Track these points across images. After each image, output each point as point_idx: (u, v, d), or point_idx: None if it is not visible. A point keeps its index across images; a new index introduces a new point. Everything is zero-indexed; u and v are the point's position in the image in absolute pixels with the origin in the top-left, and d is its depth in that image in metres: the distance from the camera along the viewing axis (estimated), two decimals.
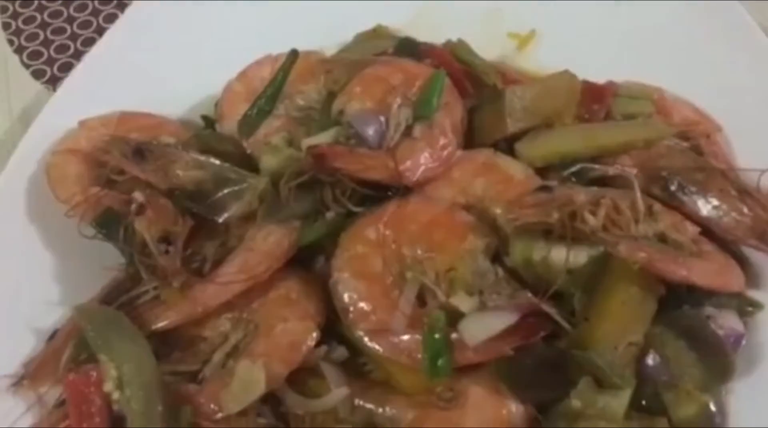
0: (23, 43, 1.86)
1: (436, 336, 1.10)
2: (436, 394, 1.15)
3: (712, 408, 1.15)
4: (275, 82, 1.41)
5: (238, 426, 1.14)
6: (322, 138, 1.31)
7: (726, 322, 1.20)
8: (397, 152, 1.27)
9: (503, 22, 1.67)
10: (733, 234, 1.28)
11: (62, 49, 1.84)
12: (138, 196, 1.25)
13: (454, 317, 1.14)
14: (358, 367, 1.21)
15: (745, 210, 1.29)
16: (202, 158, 1.29)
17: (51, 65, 1.81)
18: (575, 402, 1.13)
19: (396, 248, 1.19)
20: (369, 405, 1.16)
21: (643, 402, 1.17)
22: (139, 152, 1.29)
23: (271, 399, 1.19)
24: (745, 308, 1.26)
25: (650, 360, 1.16)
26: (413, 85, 1.35)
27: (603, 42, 1.61)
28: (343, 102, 1.34)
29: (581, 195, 1.18)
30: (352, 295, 1.16)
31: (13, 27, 1.89)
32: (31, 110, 1.71)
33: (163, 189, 1.28)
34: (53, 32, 1.87)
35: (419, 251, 1.19)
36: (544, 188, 1.22)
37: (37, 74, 1.81)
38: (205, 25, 1.66)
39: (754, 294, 1.28)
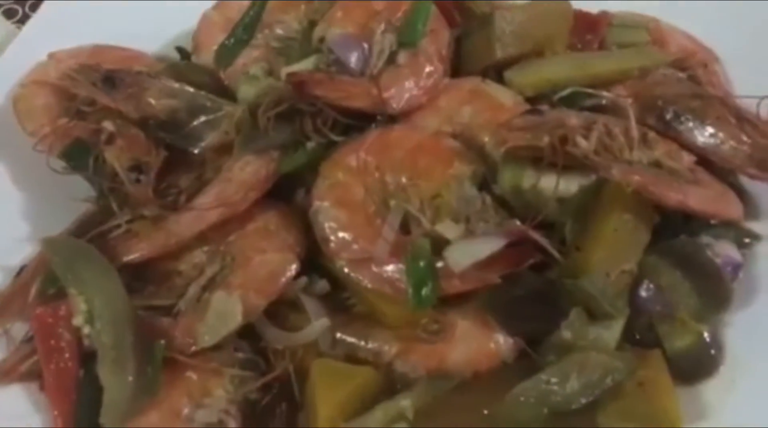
0: None
1: (421, 263, 1.05)
2: (421, 327, 1.11)
3: (708, 339, 1.11)
4: (253, 10, 1.34)
5: (215, 360, 1.10)
6: (303, 65, 1.25)
7: (723, 251, 1.15)
8: (381, 79, 1.21)
9: None
10: (732, 163, 1.23)
11: None
12: (108, 125, 1.19)
13: (440, 245, 1.09)
14: (339, 302, 1.16)
15: (744, 138, 1.24)
16: (176, 85, 1.23)
17: (23, 4, 1.74)
18: (566, 334, 1.09)
19: (379, 175, 1.14)
20: (351, 339, 1.12)
21: (637, 335, 1.14)
22: (109, 80, 1.22)
23: (249, 335, 1.14)
24: (743, 239, 1.21)
25: (644, 290, 1.12)
26: (398, 11, 1.28)
27: None
28: (323, 28, 1.28)
29: (573, 119, 1.13)
30: (332, 224, 1.11)
31: None
32: (1, 49, 1.64)
33: (135, 119, 1.22)
34: None
35: (403, 179, 1.14)
36: (534, 113, 1.16)
37: (9, 14, 1.73)
38: None
39: (752, 226, 1.24)
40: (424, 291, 1.06)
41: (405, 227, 1.11)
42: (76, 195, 1.25)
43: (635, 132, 1.16)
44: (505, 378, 1.11)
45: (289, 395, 1.11)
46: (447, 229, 1.08)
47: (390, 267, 1.08)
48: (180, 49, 1.44)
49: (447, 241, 1.08)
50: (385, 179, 1.14)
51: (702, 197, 1.12)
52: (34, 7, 1.71)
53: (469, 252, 1.05)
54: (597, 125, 1.13)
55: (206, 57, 1.37)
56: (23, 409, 1.10)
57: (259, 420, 1.10)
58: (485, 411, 1.09)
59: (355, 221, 1.11)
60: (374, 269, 1.08)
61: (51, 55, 1.38)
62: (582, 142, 1.10)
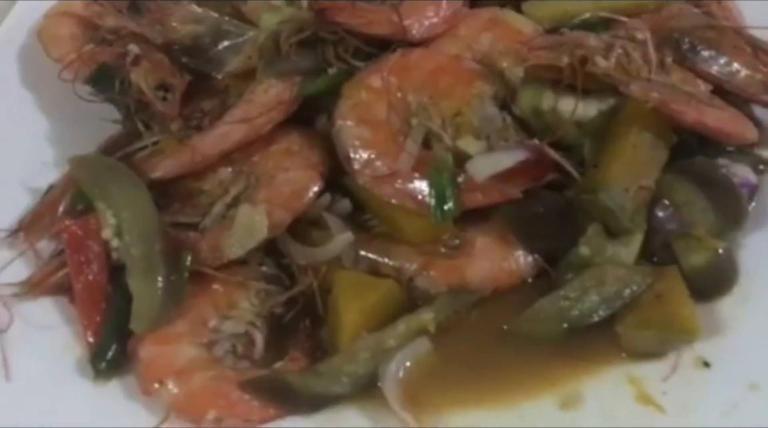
0: None
1: (443, 175, 1.08)
2: (441, 242, 1.13)
3: (723, 256, 1.13)
4: None
5: (240, 274, 1.12)
6: None
7: (739, 172, 1.17)
8: (401, 7, 1.24)
9: None
10: (747, 91, 1.24)
11: None
12: (134, 48, 1.21)
13: (461, 161, 1.11)
14: (361, 223, 1.18)
15: (760, 67, 1.26)
16: (200, 10, 1.25)
17: None
18: (583, 249, 1.11)
19: (401, 95, 1.16)
20: (373, 255, 1.14)
21: (653, 254, 1.16)
22: (134, 6, 1.24)
23: (273, 253, 1.17)
24: (758, 165, 1.23)
25: (660, 208, 1.14)
26: None
27: None
28: None
29: (593, 40, 1.15)
30: (355, 142, 1.13)
31: None
32: None
33: (159, 44, 1.24)
34: None
35: (425, 98, 1.16)
36: (554, 34, 1.18)
37: None
38: None
39: (766, 154, 1.26)
40: (447, 204, 1.08)
41: (427, 145, 1.13)
42: (101, 123, 1.28)
43: (653, 56, 1.18)
44: (525, 295, 1.14)
45: (313, 310, 1.14)
46: (468, 144, 1.10)
47: (413, 182, 1.10)
48: None
49: (468, 157, 1.11)
50: (407, 99, 1.16)
51: (718, 116, 1.14)
52: None
53: (490, 163, 1.07)
54: (616, 47, 1.15)
55: None
56: (53, 320, 1.13)
57: (283, 334, 1.13)
58: (505, 327, 1.12)
59: (377, 139, 1.13)
60: (397, 184, 1.10)
61: None
62: (601, 61, 1.12)
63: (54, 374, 1.09)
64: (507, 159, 1.07)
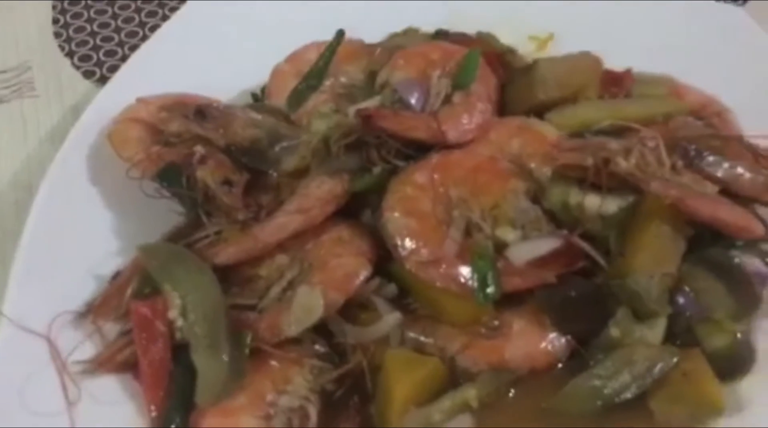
0: (73, 48, 1.99)
1: (485, 261, 1.18)
2: (481, 324, 1.22)
3: (742, 339, 1.23)
4: (323, 58, 1.52)
5: (295, 352, 1.20)
6: (369, 103, 1.42)
7: (751, 262, 1.28)
8: (439, 114, 1.38)
9: (525, 26, 1.81)
10: (751, 192, 1.37)
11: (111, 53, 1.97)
12: (200, 149, 1.34)
13: (499, 249, 1.22)
14: (405, 306, 1.28)
15: (762, 170, 1.39)
16: (259, 116, 1.40)
17: (101, 67, 1.93)
18: (614, 331, 1.20)
19: (443, 190, 1.28)
20: (418, 335, 1.23)
21: (677, 339, 1.25)
22: (200, 113, 1.39)
23: (324, 334, 1.25)
24: (766, 258, 1.34)
25: (682, 295, 1.23)
26: (451, 59, 1.46)
27: (616, 43, 1.75)
28: (387, 73, 1.46)
29: (613, 143, 1.29)
30: (402, 231, 1.24)
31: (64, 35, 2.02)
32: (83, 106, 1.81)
33: (221, 146, 1.37)
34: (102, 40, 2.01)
35: (465, 193, 1.28)
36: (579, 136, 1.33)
37: (87, 75, 1.92)
38: (247, 26, 1.78)
39: None
40: (489, 287, 1.18)
41: (468, 235, 1.25)
42: (165, 220, 1.39)
43: (666, 159, 1.32)
44: (560, 374, 1.22)
45: (362, 388, 1.21)
46: (506, 233, 1.22)
47: (457, 267, 1.20)
48: (254, 95, 1.61)
49: (506, 245, 1.22)
50: (449, 193, 1.28)
51: (731, 212, 1.26)
52: (113, 69, 1.92)
53: (529, 250, 1.19)
54: (635, 150, 1.29)
55: (278, 102, 1.55)
56: (118, 397, 1.20)
57: (335, 409, 1.20)
58: (543, 405, 1.20)
59: (422, 228, 1.24)
60: (442, 269, 1.21)
61: (139, 99, 1.55)
62: (622, 162, 1.26)
63: None
64: (543, 246, 1.18)
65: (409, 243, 1.23)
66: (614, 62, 1.62)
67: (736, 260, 1.26)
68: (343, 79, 1.56)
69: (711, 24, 1.73)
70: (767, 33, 1.70)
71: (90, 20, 2.05)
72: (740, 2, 2.00)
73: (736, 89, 1.61)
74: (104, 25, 2.02)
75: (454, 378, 1.21)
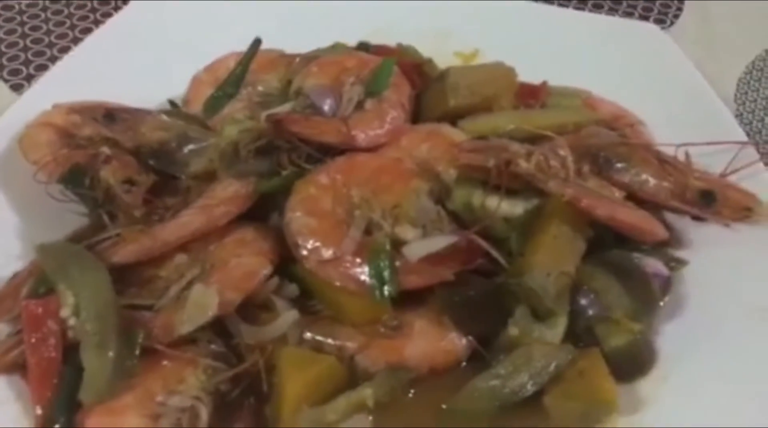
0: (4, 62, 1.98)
1: (381, 258, 1.18)
2: (381, 323, 1.21)
3: (642, 340, 1.23)
4: (240, 67, 1.53)
5: (190, 352, 1.18)
6: (280, 109, 1.42)
7: (651, 264, 1.29)
8: (350, 119, 1.39)
9: (450, 42, 1.85)
10: (657, 197, 1.39)
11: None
12: (105, 150, 1.34)
13: (400, 248, 1.22)
14: (307, 309, 1.27)
15: (666, 176, 1.41)
16: (168, 119, 1.39)
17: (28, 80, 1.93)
18: (512, 330, 1.20)
19: (346, 190, 1.28)
20: (317, 336, 1.21)
21: (579, 342, 1.24)
22: (109, 115, 1.39)
23: (222, 334, 1.23)
24: (670, 263, 1.35)
25: (581, 295, 1.24)
26: (365, 68, 1.48)
27: (537, 60, 1.78)
28: (300, 80, 1.47)
29: (515, 145, 1.30)
30: (303, 230, 1.23)
31: None
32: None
33: (129, 148, 1.37)
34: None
35: (367, 193, 1.28)
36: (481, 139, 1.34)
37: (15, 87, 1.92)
38: (176, 31, 1.78)
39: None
40: (385, 284, 1.18)
41: (368, 234, 1.24)
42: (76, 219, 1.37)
43: (570, 164, 1.33)
44: (461, 375, 1.21)
45: (258, 389, 1.18)
46: (405, 231, 1.22)
47: (355, 265, 1.20)
48: (172, 102, 1.61)
49: (405, 243, 1.22)
50: (351, 193, 1.28)
51: (629, 213, 1.28)
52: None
53: (424, 246, 1.19)
54: (537, 153, 1.30)
55: (195, 110, 1.55)
56: (4, 396, 1.16)
57: (229, 411, 1.17)
58: (443, 406, 1.18)
59: (324, 228, 1.24)
60: (340, 267, 1.20)
61: (55, 105, 1.54)
62: (523, 163, 1.27)
63: None
64: (439, 243, 1.19)
65: (309, 242, 1.22)
66: (538, 78, 1.67)
67: (635, 261, 1.28)
68: (260, 88, 1.57)
69: (632, 43, 1.78)
70: (686, 55, 1.75)
71: (23, 36, 2.06)
72: (665, 25, 2.07)
73: (650, 104, 1.65)
74: (36, 41, 2.04)
75: (353, 379, 1.19)
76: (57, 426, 1.11)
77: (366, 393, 1.15)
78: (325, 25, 1.79)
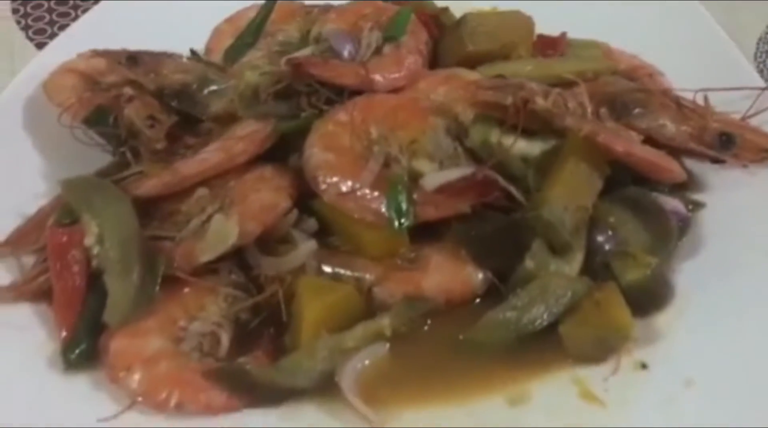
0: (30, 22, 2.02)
1: (399, 188, 1.19)
2: (399, 256, 1.23)
3: (658, 275, 1.23)
4: (259, 16, 1.55)
5: (211, 280, 1.20)
6: (300, 53, 1.44)
7: (670, 202, 1.29)
8: (368, 63, 1.41)
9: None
10: (675, 141, 1.39)
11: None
12: (128, 90, 1.36)
13: (417, 181, 1.23)
14: (327, 244, 1.28)
15: (685, 120, 1.41)
16: (189, 62, 1.42)
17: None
18: (529, 264, 1.20)
19: (364, 127, 1.29)
20: (336, 268, 1.23)
21: (596, 278, 1.24)
22: (132, 58, 1.41)
23: (242, 267, 1.25)
24: (688, 205, 1.35)
25: (598, 231, 1.25)
26: (383, 15, 1.50)
27: (555, 16, 1.77)
28: (319, 27, 1.49)
29: (533, 84, 1.31)
30: (321, 165, 1.25)
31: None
32: None
33: (152, 90, 1.39)
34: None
35: (385, 129, 1.29)
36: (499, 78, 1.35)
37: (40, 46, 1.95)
38: None
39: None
40: (403, 215, 1.19)
41: (386, 168, 1.25)
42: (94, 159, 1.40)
43: (587, 104, 1.34)
44: (478, 308, 1.22)
45: (278, 319, 1.20)
46: (422, 165, 1.24)
47: (372, 196, 1.21)
48: (193, 51, 1.62)
49: (422, 176, 1.23)
50: (369, 130, 1.29)
51: (647, 149, 1.28)
52: None
53: (440, 176, 1.20)
54: (554, 91, 1.31)
55: (216, 59, 1.57)
56: (30, 323, 1.19)
57: (249, 338, 1.19)
58: (460, 337, 1.19)
59: (342, 162, 1.25)
60: (359, 199, 1.21)
61: (79, 54, 1.57)
62: (541, 101, 1.28)
63: (25, 369, 1.14)
64: (456, 172, 1.20)
65: (328, 176, 1.24)
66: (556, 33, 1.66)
67: (653, 197, 1.28)
68: (280, 38, 1.58)
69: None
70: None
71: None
72: None
73: (670, 58, 1.65)
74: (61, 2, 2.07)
75: (371, 311, 1.21)
76: (81, 345, 1.14)
77: (384, 322, 1.17)
78: None
